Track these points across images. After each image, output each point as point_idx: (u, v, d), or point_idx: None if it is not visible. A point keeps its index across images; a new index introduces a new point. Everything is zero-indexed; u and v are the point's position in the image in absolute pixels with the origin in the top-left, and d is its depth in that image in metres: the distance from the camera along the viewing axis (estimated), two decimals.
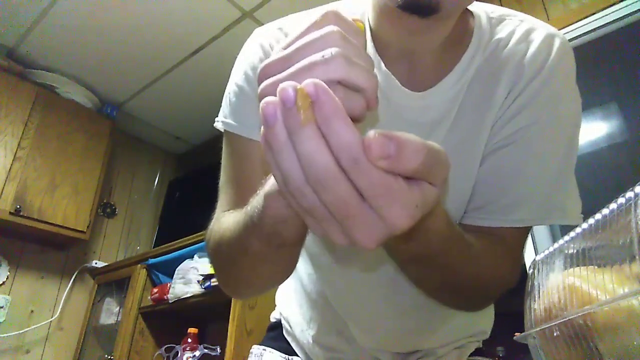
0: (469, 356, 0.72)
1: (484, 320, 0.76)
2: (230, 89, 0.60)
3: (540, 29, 0.56)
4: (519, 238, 0.58)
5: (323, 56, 0.26)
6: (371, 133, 0.23)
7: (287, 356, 0.77)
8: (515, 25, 0.57)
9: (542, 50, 0.54)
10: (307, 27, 0.29)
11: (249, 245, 0.43)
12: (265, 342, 0.81)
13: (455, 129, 0.56)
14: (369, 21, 0.56)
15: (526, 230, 0.57)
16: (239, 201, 0.55)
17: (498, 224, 0.55)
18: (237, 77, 0.60)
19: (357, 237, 0.25)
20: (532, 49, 0.55)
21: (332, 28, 0.28)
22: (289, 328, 0.79)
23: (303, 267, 0.74)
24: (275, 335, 0.82)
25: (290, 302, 0.80)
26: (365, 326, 0.69)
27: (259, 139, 0.27)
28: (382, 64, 0.55)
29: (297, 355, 0.77)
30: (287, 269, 0.49)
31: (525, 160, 0.55)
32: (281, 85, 0.24)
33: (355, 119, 0.27)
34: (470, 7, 0.58)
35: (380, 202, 0.24)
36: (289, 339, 0.79)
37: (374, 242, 0.25)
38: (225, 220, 0.52)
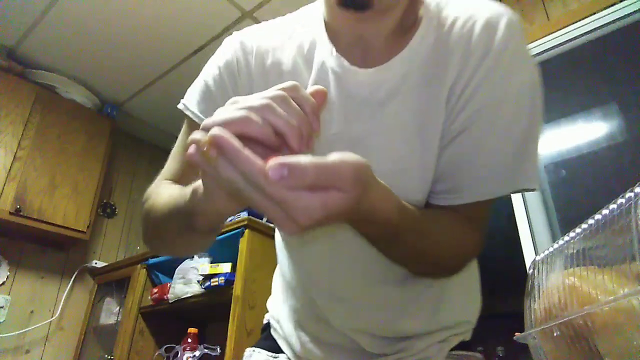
0: (452, 350, 0.70)
1: (468, 309, 0.74)
2: (202, 78, 0.68)
3: (483, 10, 0.58)
4: (483, 211, 0.62)
5: (260, 103, 0.37)
6: (272, 161, 0.31)
7: (273, 354, 0.80)
8: (460, 10, 0.59)
9: (486, 33, 0.56)
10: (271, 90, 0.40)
11: (169, 223, 0.54)
12: (257, 344, 0.84)
13: (407, 104, 0.59)
14: (324, 15, 0.64)
15: (489, 203, 0.61)
16: (179, 174, 0.66)
17: (467, 199, 0.59)
18: (208, 70, 0.67)
19: (279, 225, 0.34)
20: (477, 32, 0.57)
21: (278, 92, 0.39)
22: (276, 326, 0.82)
23: (284, 259, 0.77)
24: (265, 336, 0.85)
25: (278, 300, 0.83)
26: (337, 306, 0.70)
27: None
28: (334, 50, 0.62)
29: (284, 353, 0.79)
30: (201, 248, 0.59)
31: (485, 138, 0.57)
32: (194, 137, 0.35)
33: (289, 150, 0.38)
34: None
35: (283, 207, 0.33)
36: (275, 336, 0.82)
37: (291, 232, 0.34)
38: (162, 190, 0.61)
